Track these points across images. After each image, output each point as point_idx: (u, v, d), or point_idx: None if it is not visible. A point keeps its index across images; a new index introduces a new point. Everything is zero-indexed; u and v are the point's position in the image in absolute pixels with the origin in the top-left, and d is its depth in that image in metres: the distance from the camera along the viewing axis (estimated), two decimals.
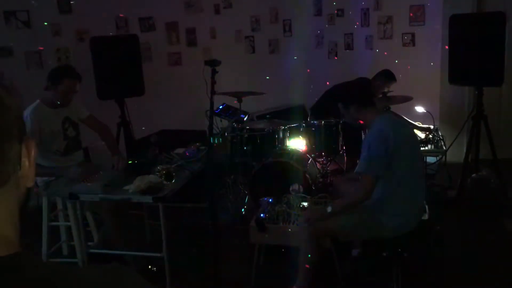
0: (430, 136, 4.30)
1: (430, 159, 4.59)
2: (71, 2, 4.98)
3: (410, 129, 3.12)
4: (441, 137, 4.29)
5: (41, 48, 4.84)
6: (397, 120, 2.95)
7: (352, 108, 2.82)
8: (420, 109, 5.02)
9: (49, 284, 0.62)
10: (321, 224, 2.80)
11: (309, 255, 2.76)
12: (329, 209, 2.78)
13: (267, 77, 6.00)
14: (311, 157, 4.28)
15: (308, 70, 6.02)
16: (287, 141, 4.30)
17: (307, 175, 3.90)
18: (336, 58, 6.30)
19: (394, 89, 4.61)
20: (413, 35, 5.65)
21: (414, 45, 5.66)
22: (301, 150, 4.25)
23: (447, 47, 4.49)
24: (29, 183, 0.73)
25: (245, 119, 4.41)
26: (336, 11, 6.17)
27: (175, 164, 3.40)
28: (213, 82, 2.84)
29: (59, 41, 4.98)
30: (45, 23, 4.85)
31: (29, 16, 4.77)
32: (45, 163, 3.38)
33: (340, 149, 4.37)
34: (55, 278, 0.63)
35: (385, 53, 5.77)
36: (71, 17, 5.01)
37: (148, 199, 2.95)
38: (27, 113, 3.27)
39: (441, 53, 5.20)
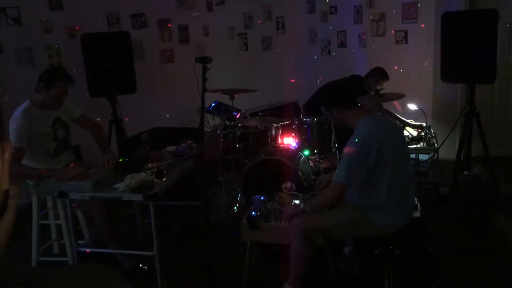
0: (423, 133, 4.31)
1: (423, 157, 4.60)
2: None
3: (397, 129, 3.09)
4: (433, 135, 4.30)
5: None
6: (384, 121, 2.90)
7: (334, 110, 2.79)
8: (412, 106, 5.03)
9: (20, 285, 0.60)
10: (313, 221, 2.80)
11: (301, 253, 2.75)
12: (301, 205, 2.85)
13: (260, 75, 5.98)
14: (304, 154, 4.27)
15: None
16: (280, 138, 4.29)
17: (300, 173, 3.89)
18: (329, 55, 6.30)
19: (387, 87, 4.61)
20: (406, 32, 5.65)
21: (407, 42, 5.67)
22: (293, 148, 4.24)
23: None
24: (4, 185, 0.71)
25: (237, 116, 4.39)
26: (329, 9, 6.17)
27: (166, 162, 3.39)
28: (204, 80, 2.81)
29: (50, 38, 4.94)
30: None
31: (19, 13, 4.72)
32: (35, 165, 3.29)
33: (332, 146, 4.36)
34: (25, 279, 0.61)
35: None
36: (62, 14, 4.97)
37: (138, 197, 2.93)
38: (17, 115, 3.20)
39: (433, 50, 5.21)
